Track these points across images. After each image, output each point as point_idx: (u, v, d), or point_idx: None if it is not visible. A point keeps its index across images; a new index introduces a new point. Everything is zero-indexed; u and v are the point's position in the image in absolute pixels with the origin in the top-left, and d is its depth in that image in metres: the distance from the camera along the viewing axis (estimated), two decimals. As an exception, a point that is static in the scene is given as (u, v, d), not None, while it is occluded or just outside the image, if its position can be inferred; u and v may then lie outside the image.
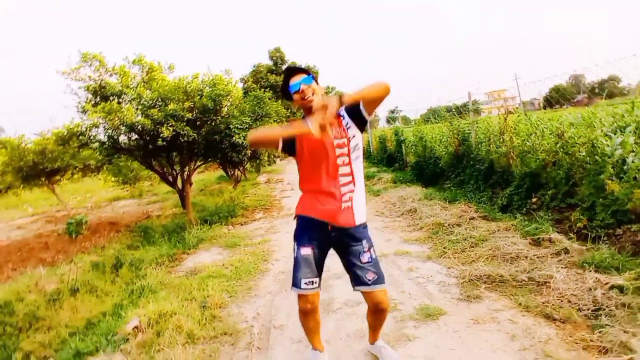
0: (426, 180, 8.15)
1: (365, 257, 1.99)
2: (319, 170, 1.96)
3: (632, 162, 4.04)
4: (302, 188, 2.08)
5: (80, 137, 5.73)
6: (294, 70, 1.97)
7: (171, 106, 5.45)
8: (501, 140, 6.18)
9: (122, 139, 6.28)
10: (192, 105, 5.78)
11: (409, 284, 3.33)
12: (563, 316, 2.41)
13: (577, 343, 2.15)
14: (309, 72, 1.96)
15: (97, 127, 5.72)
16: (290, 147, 2.00)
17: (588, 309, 2.44)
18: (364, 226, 2.03)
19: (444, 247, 4.04)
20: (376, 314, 2.10)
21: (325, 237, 2.00)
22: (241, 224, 6.67)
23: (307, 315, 2.09)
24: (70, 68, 5.79)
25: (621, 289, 2.55)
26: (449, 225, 4.70)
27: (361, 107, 1.92)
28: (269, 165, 20.42)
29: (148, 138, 5.64)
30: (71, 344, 2.86)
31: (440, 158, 8.20)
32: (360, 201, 2.00)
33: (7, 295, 3.93)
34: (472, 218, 4.79)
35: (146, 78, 6.30)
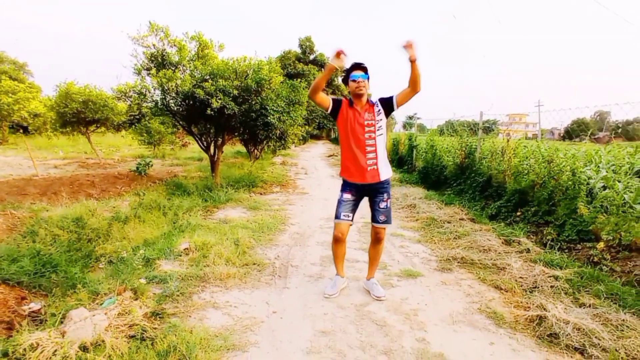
0: (430, 185, 8.95)
1: (382, 205, 2.97)
2: (350, 142, 2.88)
3: (599, 192, 4.83)
4: (342, 156, 3.02)
5: (140, 95, 6.63)
6: (358, 66, 2.87)
7: (221, 82, 6.33)
8: (501, 159, 6.96)
9: (172, 102, 7.18)
10: (239, 84, 6.64)
11: (398, 255, 4.19)
12: (508, 287, 3.26)
13: (511, 303, 3.00)
14: (367, 71, 2.89)
15: (155, 89, 6.62)
16: (334, 112, 2.93)
17: (528, 286, 3.28)
18: (387, 182, 2.98)
19: (433, 236, 4.88)
20: (375, 243, 3.09)
21: (359, 189, 2.98)
22: (261, 194, 7.57)
23: (338, 242, 3.03)
24: (140, 35, 6.68)
25: (556, 278, 3.38)
26: (440, 221, 5.53)
27: (394, 100, 2.87)
28: (285, 149, 21.25)
29: (199, 106, 6.52)
30: (138, 251, 3.77)
31: (446, 167, 8.99)
32: (382, 164, 2.94)
33: (77, 213, 4.86)
34: (462, 219, 5.62)
35: (201, 54, 7.18)
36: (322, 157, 18.15)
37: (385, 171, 2.97)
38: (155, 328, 2.38)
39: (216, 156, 7.85)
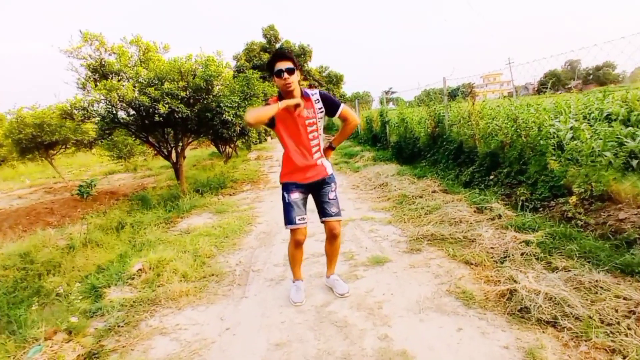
0: (405, 159, 8.76)
1: (332, 195, 2.69)
2: (294, 144, 2.58)
3: (568, 144, 4.68)
4: (284, 161, 2.70)
5: (83, 112, 6.20)
6: (282, 56, 2.42)
7: (167, 85, 5.94)
8: (469, 123, 6.77)
9: (121, 114, 6.76)
10: (186, 85, 6.26)
11: (367, 241, 3.98)
12: (478, 262, 3.08)
13: (481, 279, 2.82)
14: (294, 61, 2.44)
15: (98, 102, 6.20)
16: (270, 123, 2.55)
17: (499, 257, 3.10)
18: (331, 174, 2.72)
19: (404, 214, 4.68)
20: (331, 240, 2.78)
21: (305, 186, 2.68)
22: (230, 195, 7.28)
23: (298, 246, 2.74)
24: (72, 47, 6.22)
25: (528, 243, 3.21)
26: (412, 197, 5.34)
27: (339, 112, 2.59)
28: (259, 143, 20.86)
29: (145, 114, 6.14)
30: (87, 281, 3.48)
31: (419, 139, 8.79)
32: (325, 159, 2.72)
33: (25, 248, 4.52)
34: (434, 191, 5.43)
35: (143, 58, 6.75)
36: (299, 146, 17.80)
37: (329, 164, 2.73)
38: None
39: (178, 163, 7.49)
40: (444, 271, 3.04)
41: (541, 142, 4.94)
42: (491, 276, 2.81)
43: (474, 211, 4.35)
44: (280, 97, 2.51)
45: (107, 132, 6.79)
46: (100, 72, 6.61)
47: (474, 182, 5.76)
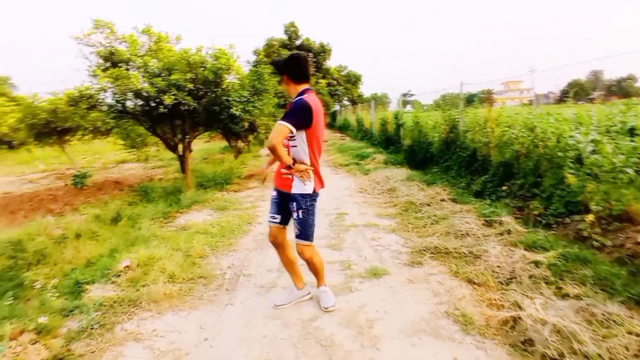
0: (417, 164, 8.50)
1: (294, 215, 2.53)
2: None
3: (588, 157, 4.38)
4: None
5: (89, 100, 6.15)
6: (274, 65, 2.58)
7: (174, 76, 5.83)
8: (484, 130, 6.49)
9: (129, 104, 6.69)
10: (194, 77, 6.15)
11: (367, 250, 3.78)
12: (481, 281, 2.85)
13: (483, 301, 2.60)
14: (281, 68, 2.48)
15: (105, 90, 6.13)
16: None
17: (505, 278, 2.87)
18: (301, 196, 2.49)
19: (409, 223, 4.46)
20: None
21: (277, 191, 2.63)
22: (235, 191, 7.15)
23: (275, 247, 2.70)
24: (83, 34, 6.16)
25: (537, 264, 2.96)
26: (419, 204, 5.11)
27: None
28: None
29: (152, 104, 6.05)
30: (72, 275, 3.38)
31: (432, 144, 8.52)
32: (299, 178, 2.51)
33: (20, 235, 4.46)
34: (443, 200, 5.19)
35: (154, 47, 6.66)
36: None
37: (299, 183, 2.47)
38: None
39: (184, 156, 7.40)
40: (444, 289, 2.82)
41: (559, 154, 4.65)
42: (495, 299, 2.58)
43: (483, 224, 4.10)
44: None
45: (115, 121, 6.73)
46: (110, 60, 6.54)
47: (485, 192, 5.49)
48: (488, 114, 6.38)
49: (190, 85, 6.00)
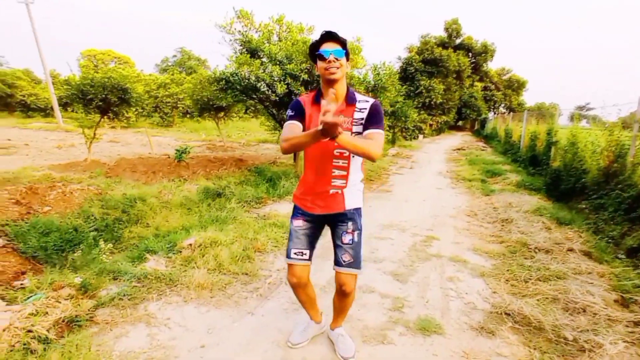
0: (560, 194, 6.83)
1: (346, 238, 2.00)
2: (310, 156, 1.99)
3: None
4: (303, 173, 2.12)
5: (221, 82, 6.76)
6: (330, 37, 1.84)
7: (290, 66, 5.90)
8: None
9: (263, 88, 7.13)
10: (309, 67, 6.12)
11: (435, 292, 3.09)
12: (569, 391, 1.95)
13: None
14: (345, 45, 1.86)
15: (234, 75, 6.64)
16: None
17: (612, 398, 1.91)
18: (355, 211, 2.02)
19: (508, 270, 3.51)
20: (339, 295, 2.10)
21: (313, 217, 2.06)
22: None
23: (296, 288, 2.15)
24: (226, 22, 6.76)
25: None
26: (534, 248, 3.99)
27: (365, 132, 1.83)
28: (408, 140, 19.91)
29: (268, 92, 6.28)
30: (146, 242, 3.70)
31: (586, 172, 6.72)
32: (351, 190, 2.00)
33: (140, 193, 5.19)
34: (571, 249, 3.95)
35: (283, 37, 6.89)
36: (447, 151, 16.23)
37: (353, 199, 2.00)
38: (56, 339, 2.12)
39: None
40: (505, 384, 2.04)
41: None
42: None
43: (615, 300, 2.91)
44: (318, 96, 1.95)
45: (239, 102, 7.24)
46: (247, 48, 7.05)
47: (644, 252, 3.98)
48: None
49: (305, 76, 5.98)
